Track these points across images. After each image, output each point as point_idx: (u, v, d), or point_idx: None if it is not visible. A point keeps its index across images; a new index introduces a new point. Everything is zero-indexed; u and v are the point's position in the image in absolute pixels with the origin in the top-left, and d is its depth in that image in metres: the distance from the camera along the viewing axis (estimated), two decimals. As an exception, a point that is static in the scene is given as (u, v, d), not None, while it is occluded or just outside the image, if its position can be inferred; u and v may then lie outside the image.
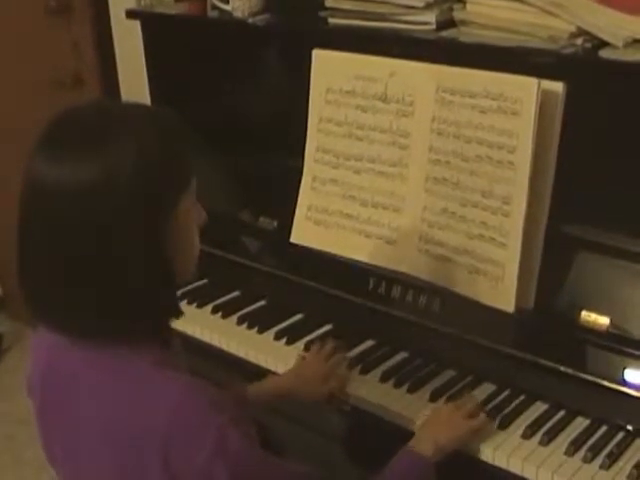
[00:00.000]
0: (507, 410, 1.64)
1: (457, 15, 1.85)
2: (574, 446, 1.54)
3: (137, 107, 1.25)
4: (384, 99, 1.85)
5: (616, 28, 1.65)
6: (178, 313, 1.28)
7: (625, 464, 1.50)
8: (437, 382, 1.74)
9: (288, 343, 1.90)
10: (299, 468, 1.31)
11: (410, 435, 1.54)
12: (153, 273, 1.20)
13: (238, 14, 2.15)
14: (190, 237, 1.27)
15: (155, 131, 1.20)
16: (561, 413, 1.63)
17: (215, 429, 1.17)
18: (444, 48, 1.84)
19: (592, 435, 1.57)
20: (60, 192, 1.15)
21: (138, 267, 1.18)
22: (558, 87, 1.63)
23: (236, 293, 2.10)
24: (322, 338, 1.89)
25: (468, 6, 1.84)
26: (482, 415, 1.60)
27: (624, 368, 1.59)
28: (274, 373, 1.82)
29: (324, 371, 1.73)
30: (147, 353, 1.24)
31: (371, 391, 1.73)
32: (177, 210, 1.21)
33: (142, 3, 2.41)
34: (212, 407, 1.19)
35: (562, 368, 1.63)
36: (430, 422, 1.57)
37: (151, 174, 1.17)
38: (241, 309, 2.03)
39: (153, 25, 2.36)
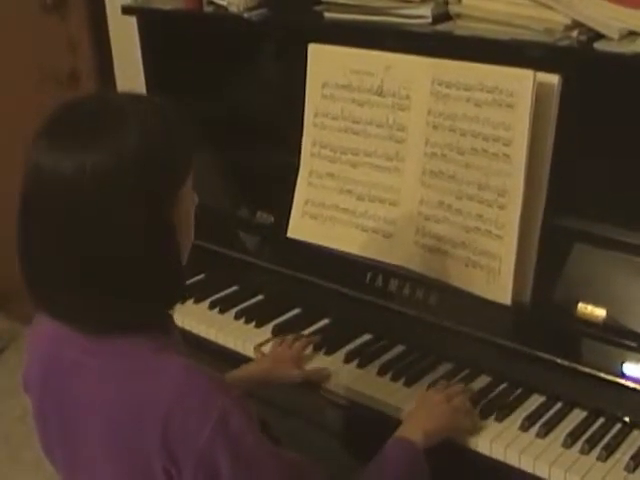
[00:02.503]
0: (504, 403, 1.64)
1: (453, 8, 1.86)
2: (571, 438, 1.54)
3: (135, 95, 1.27)
4: (380, 93, 1.85)
5: (611, 20, 1.65)
6: (186, 296, 1.29)
7: (622, 456, 1.50)
8: (434, 375, 1.74)
9: (285, 338, 1.91)
10: (295, 457, 1.31)
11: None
12: (165, 256, 1.21)
13: (234, 9, 2.14)
14: (191, 220, 1.28)
15: (157, 115, 1.22)
16: (558, 405, 1.63)
17: (218, 408, 1.17)
18: (440, 41, 1.84)
19: (589, 427, 1.57)
20: (66, 180, 1.14)
21: (150, 251, 1.18)
22: (554, 79, 1.63)
23: (234, 288, 2.10)
24: (319, 332, 1.90)
25: (464, -1, 1.84)
26: (469, 405, 1.60)
27: (621, 360, 1.59)
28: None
29: (290, 354, 1.79)
30: (149, 339, 1.24)
31: (368, 385, 1.73)
32: (182, 192, 1.22)
33: (138, -2, 2.42)
34: (215, 387, 1.20)
35: (559, 360, 1.63)
36: (417, 411, 1.58)
37: (157, 156, 1.18)
38: (239, 304, 2.03)
39: (149, 21, 2.35)
